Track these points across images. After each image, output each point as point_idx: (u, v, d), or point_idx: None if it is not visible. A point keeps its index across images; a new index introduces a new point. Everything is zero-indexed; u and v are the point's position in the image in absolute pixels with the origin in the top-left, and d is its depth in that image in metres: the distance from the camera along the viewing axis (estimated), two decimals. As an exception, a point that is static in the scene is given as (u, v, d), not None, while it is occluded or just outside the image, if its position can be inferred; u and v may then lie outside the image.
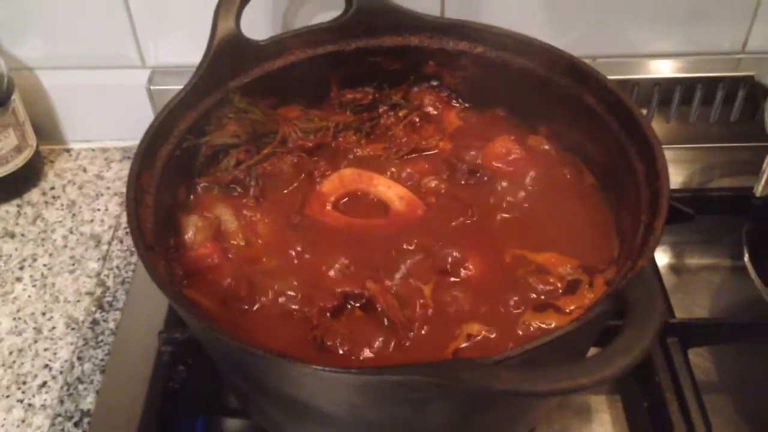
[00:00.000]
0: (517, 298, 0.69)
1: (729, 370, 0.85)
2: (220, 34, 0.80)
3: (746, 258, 0.85)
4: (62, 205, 0.98)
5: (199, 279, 0.70)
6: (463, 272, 0.72)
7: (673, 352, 0.80)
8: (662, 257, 0.95)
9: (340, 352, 0.64)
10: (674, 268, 0.95)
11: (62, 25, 0.98)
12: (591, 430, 0.81)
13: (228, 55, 0.80)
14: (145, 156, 0.70)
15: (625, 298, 0.54)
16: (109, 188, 1.00)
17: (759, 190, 0.83)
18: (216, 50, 0.79)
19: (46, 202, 0.98)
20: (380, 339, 0.66)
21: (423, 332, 0.67)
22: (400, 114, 0.88)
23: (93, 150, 1.06)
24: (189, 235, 0.73)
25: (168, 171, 0.73)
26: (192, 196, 0.78)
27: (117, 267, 0.91)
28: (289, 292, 0.70)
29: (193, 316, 0.58)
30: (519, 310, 0.68)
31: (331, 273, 0.71)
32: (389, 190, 0.79)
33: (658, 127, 1.01)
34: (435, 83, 0.90)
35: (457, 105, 0.90)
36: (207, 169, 0.80)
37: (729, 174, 1.01)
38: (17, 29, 0.98)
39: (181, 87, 0.86)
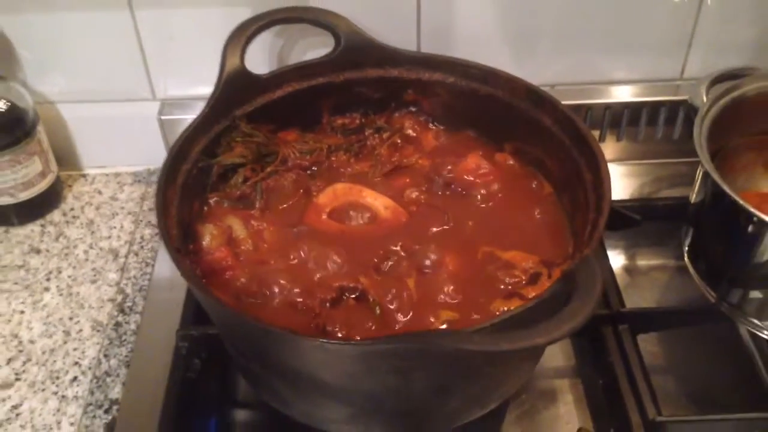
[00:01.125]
0: (487, 289, 0.77)
1: (674, 355, 0.95)
2: (228, 69, 0.88)
3: (685, 257, 0.95)
4: (82, 223, 1.07)
5: (216, 278, 0.79)
6: (441, 268, 0.80)
7: (624, 338, 0.90)
8: (617, 259, 1.05)
9: (339, 335, 0.73)
10: (627, 269, 1.05)
11: (82, 63, 1.06)
12: (556, 408, 0.89)
13: (235, 87, 0.89)
14: (168, 174, 0.79)
15: (574, 279, 0.65)
16: (123, 208, 1.09)
17: (693, 198, 0.92)
18: (224, 83, 0.88)
19: (67, 222, 1.07)
20: (372, 324, 0.74)
21: (408, 318, 0.75)
22: (384, 136, 0.96)
23: (107, 175, 1.15)
24: (206, 241, 0.81)
25: (186, 187, 0.82)
26: (206, 209, 0.86)
27: (134, 276, 1.00)
28: (293, 287, 0.77)
29: (219, 304, 0.69)
30: (489, 298, 0.76)
31: (329, 271, 0.79)
32: (376, 200, 0.87)
33: (610, 145, 1.12)
34: (413, 109, 0.98)
35: (433, 127, 0.98)
36: (218, 186, 0.88)
37: (672, 186, 1.11)
38: (42, 68, 1.06)
39: (187, 117, 0.97)
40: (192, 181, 0.84)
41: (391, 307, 0.77)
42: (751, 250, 0.83)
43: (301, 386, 0.74)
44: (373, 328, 0.75)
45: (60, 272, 1.01)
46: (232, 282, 0.79)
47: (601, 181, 0.77)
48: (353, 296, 0.78)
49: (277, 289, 0.78)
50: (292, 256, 0.82)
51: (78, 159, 1.15)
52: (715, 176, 0.83)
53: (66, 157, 1.14)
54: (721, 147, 0.94)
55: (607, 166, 0.78)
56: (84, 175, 1.15)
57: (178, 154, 0.82)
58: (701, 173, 0.89)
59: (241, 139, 0.90)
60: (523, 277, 0.79)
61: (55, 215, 1.09)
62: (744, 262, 0.85)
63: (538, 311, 0.66)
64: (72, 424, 0.84)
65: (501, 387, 0.79)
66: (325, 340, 0.64)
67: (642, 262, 1.06)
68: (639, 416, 0.82)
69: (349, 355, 0.66)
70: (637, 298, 1.00)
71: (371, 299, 0.77)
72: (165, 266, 1.01)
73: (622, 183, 1.12)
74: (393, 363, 0.66)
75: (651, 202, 1.09)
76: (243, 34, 0.90)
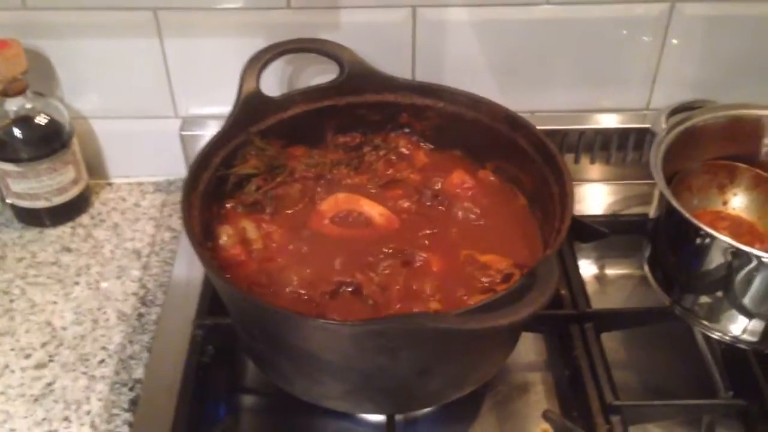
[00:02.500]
0: (466, 286, 0.87)
1: (634, 352, 1.03)
2: (245, 92, 0.97)
3: (645, 266, 1.03)
4: (108, 226, 1.17)
5: (231, 271, 0.87)
6: (426, 267, 0.88)
7: (588, 335, 0.98)
8: (588, 269, 1.14)
9: (336, 321, 0.84)
10: (597, 278, 1.14)
11: (113, 84, 1.15)
12: (528, 398, 0.98)
13: (251, 107, 0.97)
14: (191, 180, 0.89)
15: (535, 274, 0.75)
16: (145, 214, 1.19)
17: (651, 213, 1.00)
18: (242, 103, 0.97)
19: (95, 224, 1.17)
20: (365, 314, 0.84)
21: (396, 309, 0.84)
22: (381, 153, 1.03)
23: (130, 184, 1.24)
24: (222, 240, 0.91)
25: (207, 193, 0.91)
26: (223, 212, 0.95)
27: (155, 274, 1.10)
28: (297, 281, 0.86)
29: (234, 288, 0.80)
30: (467, 293, 0.86)
31: (329, 268, 0.87)
32: (372, 209, 0.96)
33: (584, 167, 1.21)
34: (407, 130, 1.05)
35: (424, 146, 1.06)
36: (234, 193, 0.96)
37: (639, 204, 1.20)
38: (76, 87, 1.15)
39: (205, 133, 1.08)
40: (212, 187, 0.93)
41: (382, 299, 0.85)
42: (699, 260, 0.91)
43: (302, 364, 0.84)
44: (366, 317, 0.83)
45: (89, 269, 1.11)
46: (245, 275, 0.88)
47: (566, 194, 0.87)
48: (349, 290, 0.86)
49: (283, 282, 0.87)
50: (297, 255, 0.91)
51: (105, 169, 1.25)
52: (667, 194, 0.92)
53: (95, 167, 1.23)
54: (678, 170, 1.03)
55: (571, 182, 0.88)
56: (110, 184, 1.25)
57: (200, 163, 0.92)
58: (657, 192, 0.97)
59: (255, 153, 0.98)
60: (498, 277, 0.88)
61: (84, 218, 1.19)
62: (694, 270, 0.93)
63: (506, 301, 0.74)
64: (100, 399, 0.95)
65: (476, 371, 0.89)
66: (324, 320, 0.75)
67: (610, 271, 1.15)
68: (598, 401, 0.91)
69: (345, 335, 0.76)
70: (604, 303, 1.09)
71: (365, 293, 0.85)
72: (183, 265, 1.11)
73: (594, 201, 1.22)
74: (382, 342, 0.76)
75: (618, 217, 1.19)
76: (259, 61, 1.00)
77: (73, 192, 1.17)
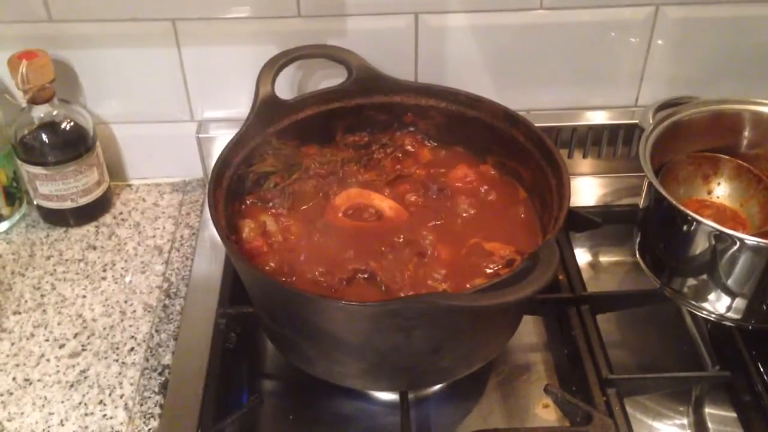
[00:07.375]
0: (472, 271, 0.93)
1: (627, 332, 1.10)
2: (261, 95, 1.03)
3: (636, 252, 1.10)
4: (130, 225, 1.23)
5: (254, 262, 0.93)
6: (435, 255, 0.94)
7: (585, 316, 1.04)
8: (583, 257, 1.21)
9: (354, 304, 0.90)
10: (591, 264, 1.21)
11: (132, 91, 1.21)
12: (530, 376, 1.04)
13: (266, 109, 1.03)
14: (216, 179, 0.95)
15: (538, 256, 0.81)
16: (164, 213, 1.26)
17: (641, 204, 1.06)
18: (258, 107, 1.03)
19: (117, 223, 1.24)
20: (379, 299, 0.89)
21: (408, 294, 0.90)
22: (388, 151, 1.09)
23: (149, 185, 1.31)
24: (245, 234, 0.96)
25: (230, 190, 0.97)
26: (244, 208, 1.01)
27: (177, 268, 1.16)
28: (316, 269, 0.91)
29: (261, 274, 0.87)
30: (473, 278, 0.92)
31: (344, 257, 0.93)
32: (382, 202, 1.01)
33: (577, 162, 1.28)
34: (412, 129, 1.11)
35: (429, 144, 1.11)
36: (254, 189, 1.02)
37: (629, 195, 1.26)
38: (98, 94, 1.21)
39: (220, 135, 1.14)
40: (234, 185, 0.99)
41: (395, 285, 0.91)
42: (686, 245, 0.97)
43: (324, 346, 0.90)
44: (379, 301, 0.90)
45: (114, 265, 1.17)
46: (267, 265, 0.94)
47: (563, 185, 0.94)
48: (365, 276, 0.92)
49: (302, 271, 0.92)
50: (314, 246, 0.96)
51: (125, 171, 1.31)
52: (656, 183, 0.98)
53: (115, 170, 1.29)
54: (665, 162, 1.10)
55: (568, 174, 0.94)
56: (130, 185, 1.32)
57: (223, 163, 0.98)
58: (647, 183, 1.02)
59: (272, 152, 1.04)
60: (501, 263, 0.94)
61: (107, 218, 1.25)
62: (682, 255, 0.99)
63: (510, 282, 0.79)
64: (132, 384, 1.01)
65: (483, 349, 0.96)
66: (345, 301, 0.82)
67: (604, 258, 1.22)
68: (595, 375, 0.97)
69: (364, 315, 0.83)
70: (599, 288, 1.15)
71: (378, 279, 0.92)
72: (202, 260, 1.17)
73: (587, 193, 1.29)
74: (398, 322, 0.82)
75: (610, 208, 1.26)
76: (273, 67, 1.06)
77: (97, 193, 1.23)
